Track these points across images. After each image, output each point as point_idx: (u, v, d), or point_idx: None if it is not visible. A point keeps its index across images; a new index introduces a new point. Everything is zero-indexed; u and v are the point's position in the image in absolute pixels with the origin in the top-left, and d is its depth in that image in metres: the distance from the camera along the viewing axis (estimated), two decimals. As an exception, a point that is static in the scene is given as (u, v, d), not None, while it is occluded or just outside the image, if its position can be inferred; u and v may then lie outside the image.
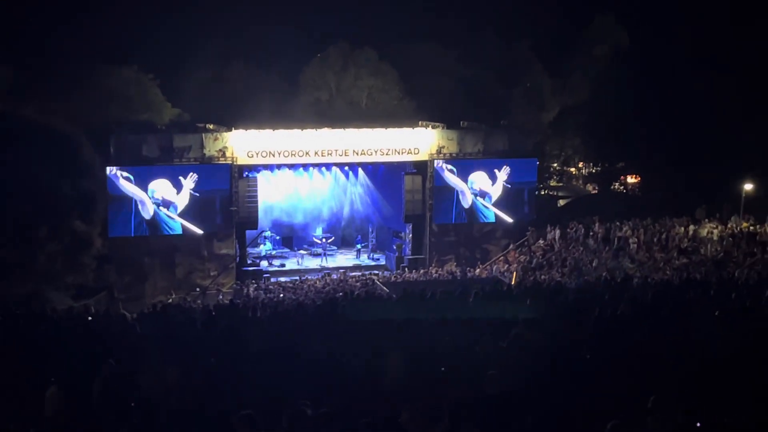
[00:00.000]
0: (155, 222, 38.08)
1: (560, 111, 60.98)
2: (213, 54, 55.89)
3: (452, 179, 41.80)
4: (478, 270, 40.51)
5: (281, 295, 33.45)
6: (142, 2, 54.23)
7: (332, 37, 56.73)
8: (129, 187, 37.33)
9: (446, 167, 41.64)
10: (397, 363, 12.21)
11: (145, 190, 37.68)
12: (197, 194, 38.29)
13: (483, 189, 42.33)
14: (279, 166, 41.89)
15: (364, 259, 44.38)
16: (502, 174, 42.27)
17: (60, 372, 12.23)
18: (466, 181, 42.01)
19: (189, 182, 38.13)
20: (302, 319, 19.06)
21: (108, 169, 37.20)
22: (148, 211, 37.83)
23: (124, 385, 11.38)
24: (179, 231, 38.56)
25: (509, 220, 42.86)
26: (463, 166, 42.08)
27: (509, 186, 42.43)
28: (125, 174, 37.27)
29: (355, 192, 46.50)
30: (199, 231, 38.82)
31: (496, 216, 42.73)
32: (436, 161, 41.57)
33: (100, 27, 50.34)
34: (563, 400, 10.07)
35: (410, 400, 9.54)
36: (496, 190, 42.42)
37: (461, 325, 15.71)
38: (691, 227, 38.01)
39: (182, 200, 38.29)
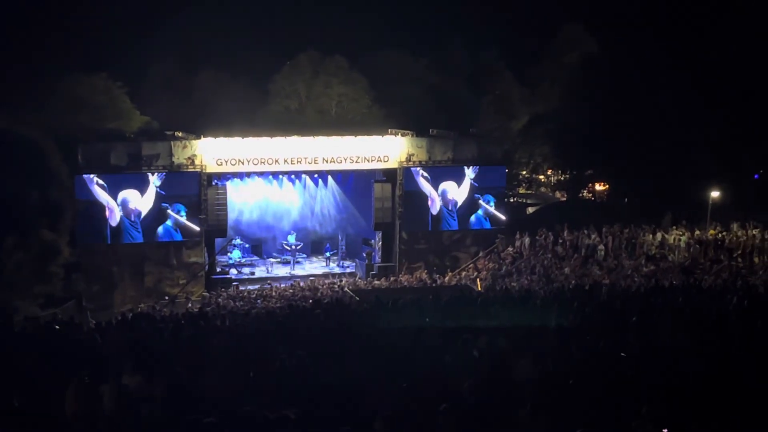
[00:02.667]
0: (119, 229, 37.81)
1: (529, 119, 61.35)
2: (182, 62, 55.82)
3: (425, 185, 41.91)
4: (447, 277, 40.55)
5: (258, 301, 33.38)
6: (111, 11, 54.07)
7: (302, 45, 56.81)
8: (101, 194, 37.12)
9: (422, 172, 41.76)
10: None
11: (116, 198, 37.51)
12: (163, 192, 38.13)
13: (452, 197, 42.51)
14: (249, 175, 41.79)
15: (334, 267, 44.29)
16: (469, 171, 42.39)
17: (25, 382, 12.15)
18: (437, 188, 42.17)
19: (154, 179, 37.95)
20: (271, 326, 19.04)
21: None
22: (115, 217, 37.60)
23: (92, 395, 11.30)
24: (141, 239, 38.35)
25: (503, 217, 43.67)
26: (437, 173, 42.23)
27: (477, 185, 42.57)
28: (100, 181, 37.09)
29: (325, 200, 46.38)
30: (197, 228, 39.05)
31: (468, 221, 42.92)
32: (413, 168, 41.74)
33: (69, 35, 50.14)
34: (530, 406, 10.10)
35: (384, 406, 9.56)
36: (462, 193, 42.55)
37: (432, 332, 15.75)
38: (659, 234, 38.27)
39: (147, 202, 38.09)
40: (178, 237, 39.03)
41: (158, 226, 38.60)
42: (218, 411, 9.44)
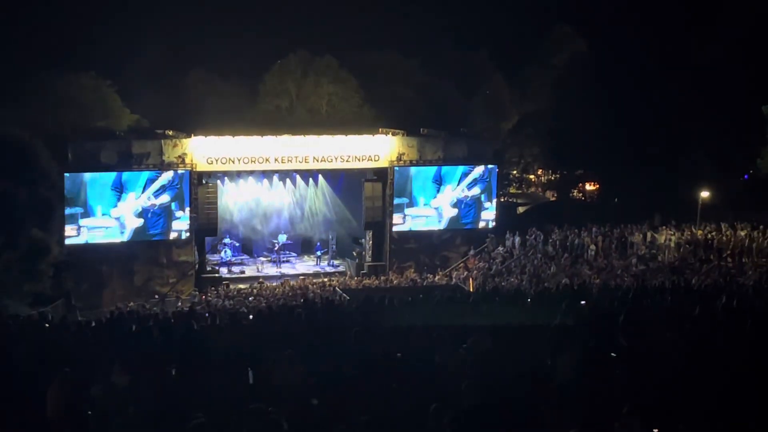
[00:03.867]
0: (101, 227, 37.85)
1: (519, 119, 61.46)
2: (172, 60, 55.70)
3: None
4: (437, 277, 40.56)
5: (249, 299, 33.33)
6: (100, 9, 53.92)
7: (293, 45, 56.74)
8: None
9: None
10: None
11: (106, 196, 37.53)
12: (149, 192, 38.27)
13: (443, 195, 42.62)
14: (239, 174, 41.73)
15: (324, 266, 44.27)
16: (461, 169, 42.55)
17: (14, 379, 12.08)
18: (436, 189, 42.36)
19: (144, 177, 38.05)
20: (260, 325, 18.99)
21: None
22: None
23: (79, 392, 11.25)
24: (116, 239, 38.29)
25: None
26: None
27: (467, 185, 42.67)
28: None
29: (315, 199, 46.30)
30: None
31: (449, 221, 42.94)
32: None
33: (58, 34, 49.99)
34: (519, 408, 10.10)
35: (370, 409, 9.53)
36: (453, 193, 42.68)
37: (420, 332, 15.70)
38: (649, 234, 38.35)
39: (137, 201, 38.17)
40: (185, 234, 39.08)
41: (169, 223, 38.69)
42: (207, 411, 9.40)
